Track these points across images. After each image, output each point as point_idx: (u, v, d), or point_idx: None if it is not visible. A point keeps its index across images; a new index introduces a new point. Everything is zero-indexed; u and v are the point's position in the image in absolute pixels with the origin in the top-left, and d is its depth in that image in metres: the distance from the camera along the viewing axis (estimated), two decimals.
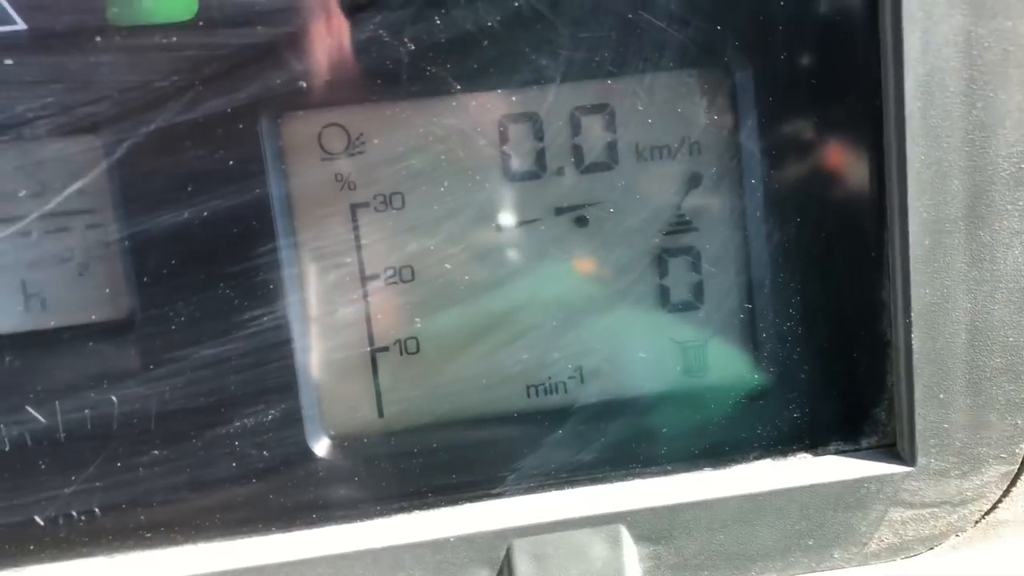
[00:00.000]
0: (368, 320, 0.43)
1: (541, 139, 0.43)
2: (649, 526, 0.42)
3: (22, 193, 0.40)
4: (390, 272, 0.43)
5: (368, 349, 0.43)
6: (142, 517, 0.41)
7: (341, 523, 0.42)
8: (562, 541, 0.42)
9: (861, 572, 0.44)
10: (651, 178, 0.44)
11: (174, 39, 0.39)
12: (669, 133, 0.43)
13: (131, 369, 0.41)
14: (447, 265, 0.43)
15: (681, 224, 0.44)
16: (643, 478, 0.43)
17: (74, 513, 0.41)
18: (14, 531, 0.41)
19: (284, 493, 0.42)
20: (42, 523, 0.41)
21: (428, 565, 0.42)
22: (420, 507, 0.43)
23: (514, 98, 0.42)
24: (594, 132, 0.43)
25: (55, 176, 0.40)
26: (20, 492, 0.41)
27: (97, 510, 0.41)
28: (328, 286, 0.43)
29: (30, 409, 0.41)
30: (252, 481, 0.41)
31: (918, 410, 0.42)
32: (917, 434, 0.42)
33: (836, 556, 0.44)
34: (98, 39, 0.38)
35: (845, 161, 0.42)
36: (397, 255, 0.43)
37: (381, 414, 0.44)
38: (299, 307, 0.42)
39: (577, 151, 0.43)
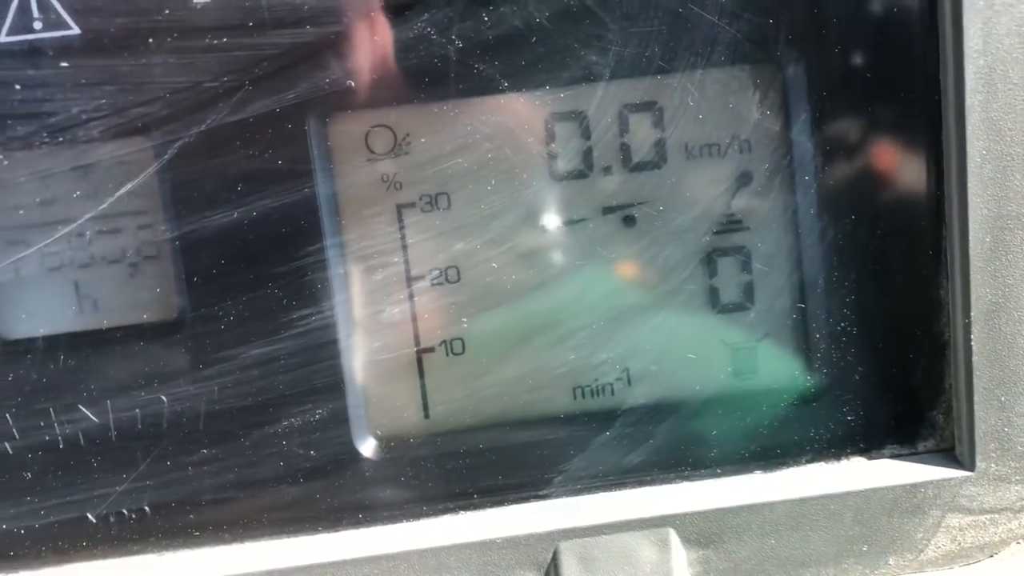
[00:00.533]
0: (414, 321, 0.43)
1: (588, 137, 0.42)
2: (698, 530, 0.41)
3: (75, 195, 0.40)
4: (436, 272, 0.43)
5: (414, 350, 0.43)
6: (191, 516, 0.41)
7: (387, 523, 0.41)
8: (610, 544, 0.41)
9: None
10: (700, 176, 0.43)
11: (224, 40, 0.39)
12: (719, 131, 0.42)
13: (181, 369, 0.41)
14: (493, 265, 0.43)
15: (731, 223, 0.43)
16: (692, 481, 0.42)
17: (125, 511, 0.41)
18: (67, 528, 0.41)
19: (330, 493, 0.41)
20: (94, 520, 0.41)
21: (474, 566, 0.41)
22: (466, 508, 0.42)
23: (561, 96, 0.41)
24: (642, 130, 0.42)
25: (107, 178, 0.41)
26: (73, 490, 0.41)
27: (147, 508, 0.41)
28: (374, 286, 0.42)
29: (83, 408, 0.41)
30: (299, 481, 0.41)
31: (978, 413, 0.40)
32: (977, 438, 0.41)
33: (891, 562, 0.42)
34: (150, 42, 0.39)
35: (901, 157, 0.41)
36: (443, 255, 0.43)
37: (427, 415, 0.44)
38: (345, 307, 0.42)
39: (625, 149, 0.42)
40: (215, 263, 0.40)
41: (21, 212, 0.40)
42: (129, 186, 0.39)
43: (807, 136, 0.41)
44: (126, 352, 0.41)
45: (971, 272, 0.39)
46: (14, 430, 0.41)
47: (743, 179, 0.43)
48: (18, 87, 0.39)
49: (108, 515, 0.41)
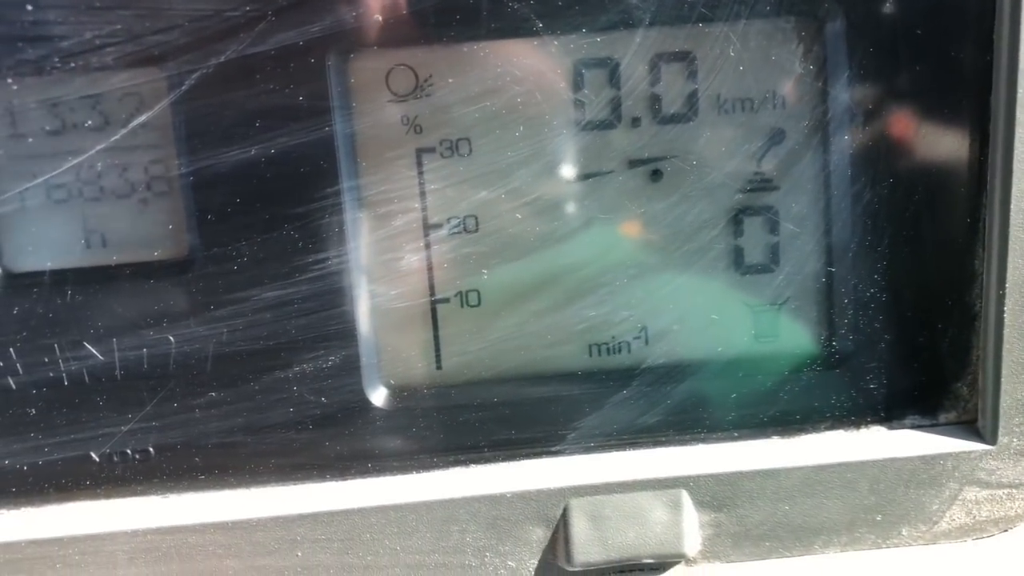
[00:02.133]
0: (430, 270, 0.41)
1: (619, 87, 0.39)
2: (711, 493, 0.40)
3: (86, 125, 0.38)
4: (454, 221, 0.41)
5: (429, 300, 0.41)
6: (197, 459, 0.39)
7: (396, 474, 0.40)
8: (621, 503, 0.39)
9: (928, 551, 0.41)
10: (732, 132, 0.40)
11: None
12: (753, 85, 0.39)
13: (189, 309, 0.38)
14: (513, 216, 0.40)
15: (761, 182, 0.41)
16: (708, 443, 0.40)
17: (129, 451, 0.40)
18: (70, 466, 0.39)
19: (339, 441, 0.39)
20: (97, 459, 0.39)
21: (482, 520, 0.39)
22: (477, 461, 0.40)
23: (594, 41, 0.38)
24: (675, 81, 0.40)
25: (119, 108, 0.38)
26: (77, 428, 0.39)
27: (152, 449, 0.40)
28: (390, 233, 0.40)
29: (88, 345, 0.39)
30: (308, 427, 0.39)
31: (1004, 386, 0.38)
32: (1001, 411, 0.39)
33: (904, 533, 0.41)
34: None
35: (943, 120, 0.38)
36: (462, 204, 0.40)
37: (440, 366, 0.42)
38: (360, 252, 0.39)
39: (655, 101, 0.40)
40: (228, 201, 0.38)
41: (30, 140, 0.38)
42: (142, 118, 0.37)
43: (845, 94, 0.39)
44: (134, 290, 0.39)
45: (1010, 242, 0.37)
46: (18, 365, 0.39)
47: (776, 137, 0.41)
48: (30, 7, 0.36)
49: (112, 455, 0.39)
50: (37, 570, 0.38)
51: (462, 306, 0.41)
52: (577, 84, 0.39)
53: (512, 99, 0.39)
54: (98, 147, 0.38)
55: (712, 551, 0.40)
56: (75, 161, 0.38)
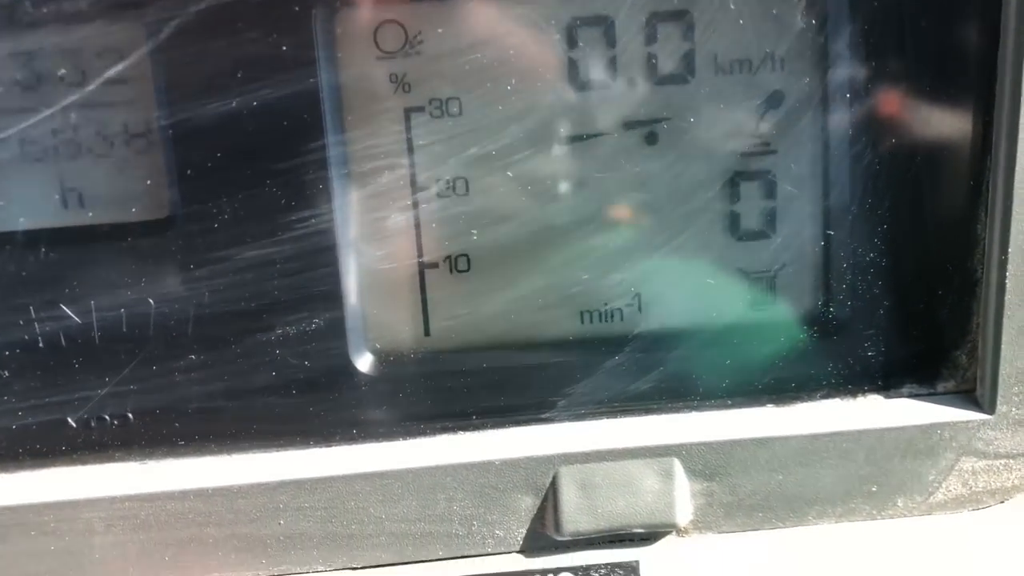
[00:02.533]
0: (417, 233, 0.39)
1: (613, 45, 0.38)
2: (704, 461, 0.39)
3: (59, 76, 0.36)
4: (443, 183, 0.39)
5: (416, 263, 0.40)
6: (176, 424, 0.38)
7: (382, 441, 0.38)
8: (611, 471, 0.38)
9: (923, 522, 0.41)
10: (729, 94, 0.39)
11: None
12: (751, 46, 0.38)
13: (170, 269, 0.37)
14: (504, 179, 0.39)
15: (758, 145, 0.39)
16: (701, 411, 0.39)
17: (107, 416, 0.38)
18: (46, 431, 0.38)
19: (324, 407, 0.38)
20: (74, 424, 0.38)
21: (470, 488, 0.38)
22: (465, 428, 0.39)
23: None
24: (671, 41, 0.38)
25: (95, 59, 0.37)
26: (52, 391, 0.37)
27: (130, 414, 0.38)
28: (376, 194, 0.39)
29: (64, 307, 0.38)
30: (291, 393, 0.38)
31: (1004, 354, 0.37)
32: (1000, 380, 0.38)
33: (899, 504, 0.40)
34: None
35: (946, 83, 0.37)
36: (451, 165, 0.39)
37: (428, 332, 0.40)
38: (346, 213, 0.38)
39: (651, 61, 0.38)
40: (209, 157, 0.36)
41: (1, 94, 0.37)
42: (119, 67, 0.35)
43: (844, 56, 0.38)
44: (112, 250, 0.37)
45: (1013, 207, 0.35)
46: None
47: (774, 99, 0.39)
48: None
49: (89, 419, 0.38)
50: (12, 537, 0.37)
51: (451, 271, 0.40)
52: (571, 42, 0.38)
53: (504, 58, 0.38)
54: (72, 100, 0.36)
55: (704, 521, 0.40)
56: (47, 112, 0.36)
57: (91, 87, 0.36)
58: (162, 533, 0.38)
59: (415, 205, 0.39)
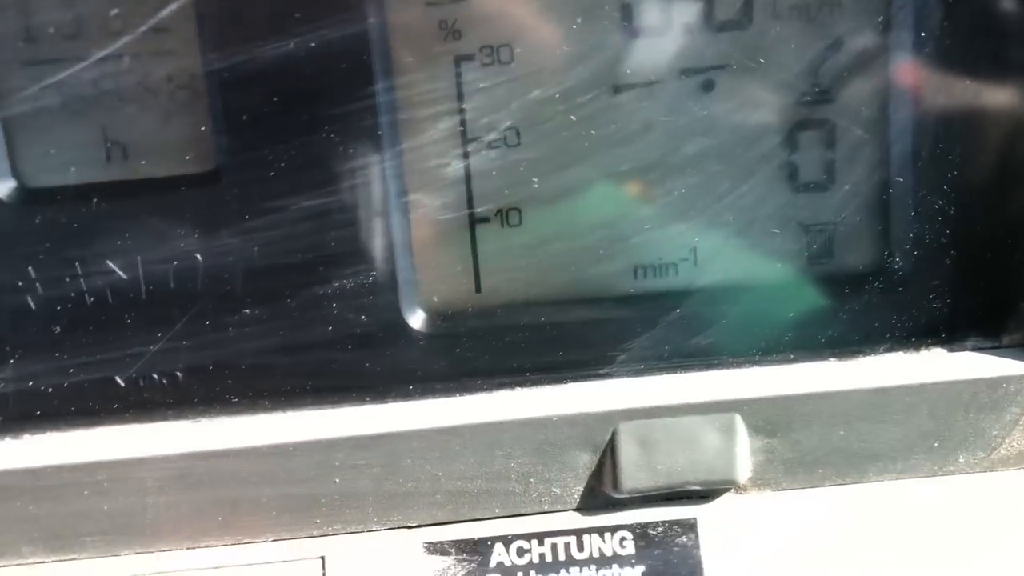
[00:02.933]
0: (468, 186, 0.38)
1: None
2: (766, 417, 0.38)
3: (103, 24, 0.35)
4: (494, 134, 0.38)
5: (467, 217, 0.39)
6: (229, 381, 0.37)
7: (439, 397, 0.38)
8: (671, 427, 0.37)
9: (984, 479, 0.40)
10: (788, 41, 0.38)
11: None
12: None
13: (218, 223, 0.36)
14: (556, 128, 0.38)
15: (817, 94, 0.38)
16: (762, 366, 0.38)
17: (155, 375, 0.38)
18: (96, 389, 0.37)
19: (379, 363, 0.37)
20: (122, 383, 0.38)
21: (528, 444, 0.37)
22: (522, 384, 0.38)
23: None
24: None
25: (139, 7, 0.36)
26: (102, 349, 0.36)
27: (180, 373, 0.37)
28: (427, 145, 0.38)
29: (110, 263, 0.37)
30: (347, 348, 0.37)
31: None
32: None
33: (961, 460, 0.39)
34: None
35: (1018, 24, 0.36)
36: (502, 115, 0.38)
37: (479, 288, 0.40)
38: (395, 165, 0.37)
39: (709, 5, 0.37)
40: (256, 106, 0.35)
41: (43, 44, 0.36)
42: (165, 12, 0.34)
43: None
44: (159, 204, 0.36)
45: None
46: (37, 284, 0.37)
47: (834, 46, 0.38)
48: None
49: (139, 377, 0.37)
50: (64, 497, 0.36)
51: (502, 225, 0.39)
52: None
53: (557, 2, 0.36)
54: (117, 45, 0.35)
55: (763, 478, 0.39)
56: (88, 61, 0.35)
57: (133, 35, 0.34)
58: (215, 492, 0.37)
59: (465, 156, 0.38)
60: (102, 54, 0.35)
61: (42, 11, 0.35)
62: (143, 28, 0.35)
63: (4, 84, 0.35)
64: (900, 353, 0.38)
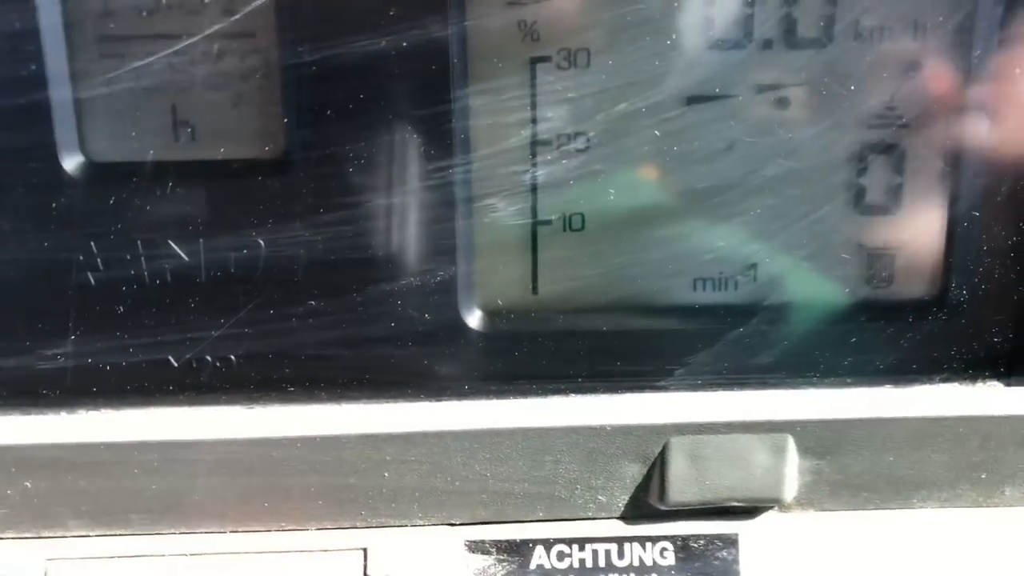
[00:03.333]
0: (534, 187, 0.38)
1: (752, 4, 0.37)
2: (817, 439, 0.38)
3: (184, 4, 0.35)
4: (564, 138, 0.38)
5: (531, 219, 0.39)
6: (287, 370, 0.37)
7: (493, 398, 0.37)
8: (723, 444, 0.37)
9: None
10: (866, 62, 0.37)
11: None
12: (894, 11, 0.37)
13: (283, 212, 0.36)
14: (626, 136, 0.38)
15: (891, 118, 0.38)
16: (818, 388, 0.38)
17: (212, 359, 0.38)
18: (151, 370, 0.37)
19: (436, 361, 0.37)
20: (179, 365, 0.37)
21: (577, 451, 0.37)
22: (576, 391, 0.38)
23: None
24: (811, 2, 0.37)
25: None
26: (160, 330, 0.36)
27: (238, 358, 0.37)
28: (497, 144, 0.37)
29: (173, 244, 0.37)
30: (407, 344, 0.37)
31: None
32: None
33: (1007, 493, 0.39)
34: None
35: None
36: (574, 119, 0.37)
37: (536, 291, 0.39)
38: (463, 161, 0.37)
39: (789, 22, 0.37)
40: (328, 99, 0.35)
41: (121, 19, 0.35)
42: (249, 8, 0.34)
43: (992, 26, 0.36)
44: (226, 187, 0.36)
45: None
46: (100, 260, 0.37)
47: (912, 69, 0.38)
48: None
49: (196, 361, 0.37)
50: (115, 474, 0.36)
51: (565, 229, 0.39)
52: None
53: (639, 9, 0.36)
54: (194, 32, 0.35)
55: (808, 498, 0.39)
56: (169, 50, 0.35)
57: (218, 26, 0.34)
58: (264, 479, 0.37)
59: (534, 158, 0.38)
60: (180, 45, 0.34)
61: None
62: (222, 16, 0.34)
63: (77, 61, 0.35)
64: (956, 384, 0.38)
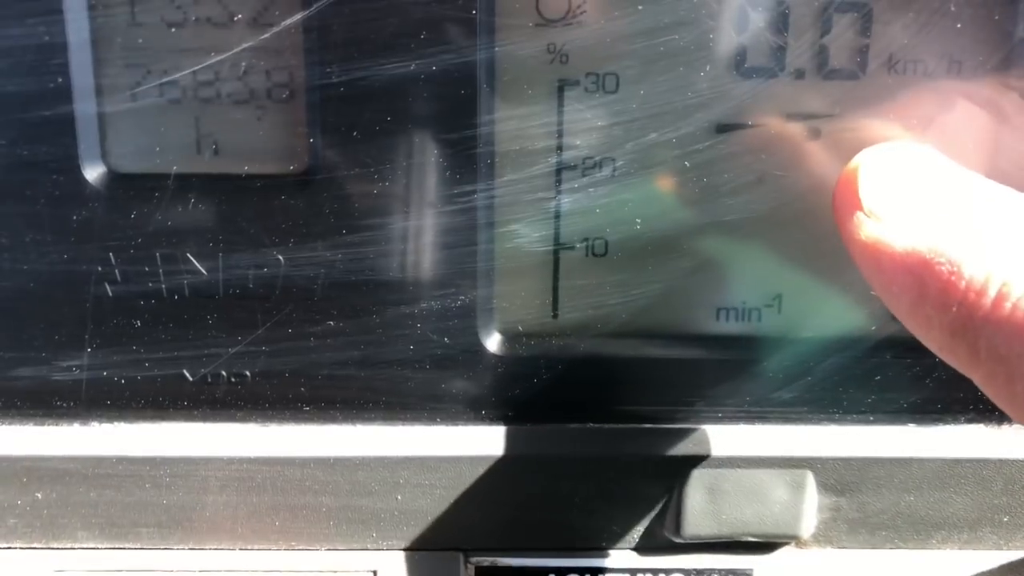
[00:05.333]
0: (558, 212, 0.38)
1: (785, 33, 0.36)
2: (838, 476, 0.37)
3: (209, 20, 0.34)
4: (589, 162, 0.37)
5: (553, 244, 0.38)
6: (303, 389, 0.36)
7: (509, 424, 0.37)
8: (742, 478, 0.36)
9: None
10: (898, 95, 0.37)
11: None
12: (929, 46, 0.36)
13: (304, 230, 0.35)
14: (654, 162, 0.37)
15: None
16: (840, 424, 0.37)
17: (228, 376, 0.37)
18: (166, 385, 0.36)
19: (453, 384, 0.36)
20: (194, 381, 0.37)
21: (594, 481, 0.37)
22: (594, 419, 0.37)
23: None
24: (846, 34, 0.36)
25: (247, 6, 0.35)
26: (176, 345, 0.36)
27: (254, 375, 0.36)
28: (522, 166, 0.37)
29: (192, 258, 0.36)
30: (425, 367, 0.36)
31: None
32: None
33: None
34: None
35: None
36: (600, 144, 0.37)
37: (555, 315, 0.39)
38: (487, 184, 0.36)
39: (822, 53, 0.36)
40: (352, 118, 0.34)
41: (147, 32, 0.35)
42: (292, 19, 0.33)
43: None
44: (244, 203, 0.35)
45: None
46: (117, 272, 0.36)
47: (946, 104, 0.37)
48: None
49: (212, 377, 0.36)
50: (126, 487, 0.36)
51: (587, 255, 0.38)
52: (741, 26, 0.35)
53: (669, 35, 0.35)
54: (235, 49, 0.34)
55: (825, 535, 0.38)
56: (196, 68, 0.34)
57: (246, 44, 0.34)
58: (276, 498, 0.36)
59: (559, 183, 0.37)
60: (207, 63, 0.34)
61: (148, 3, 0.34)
62: (250, 33, 0.34)
63: (102, 73, 0.35)
64: (981, 425, 0.37)
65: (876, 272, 0.30)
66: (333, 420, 0.36)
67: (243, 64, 0.35)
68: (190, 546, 0.37)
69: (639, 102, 0.36)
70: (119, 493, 0.36)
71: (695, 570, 0.38)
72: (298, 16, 0.33)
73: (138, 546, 0.37)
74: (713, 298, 0.38)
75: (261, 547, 0.37)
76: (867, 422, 0.37)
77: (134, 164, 0.36)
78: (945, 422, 0.37)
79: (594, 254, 0.38)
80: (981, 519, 0.37)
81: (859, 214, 0.31)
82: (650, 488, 0.37)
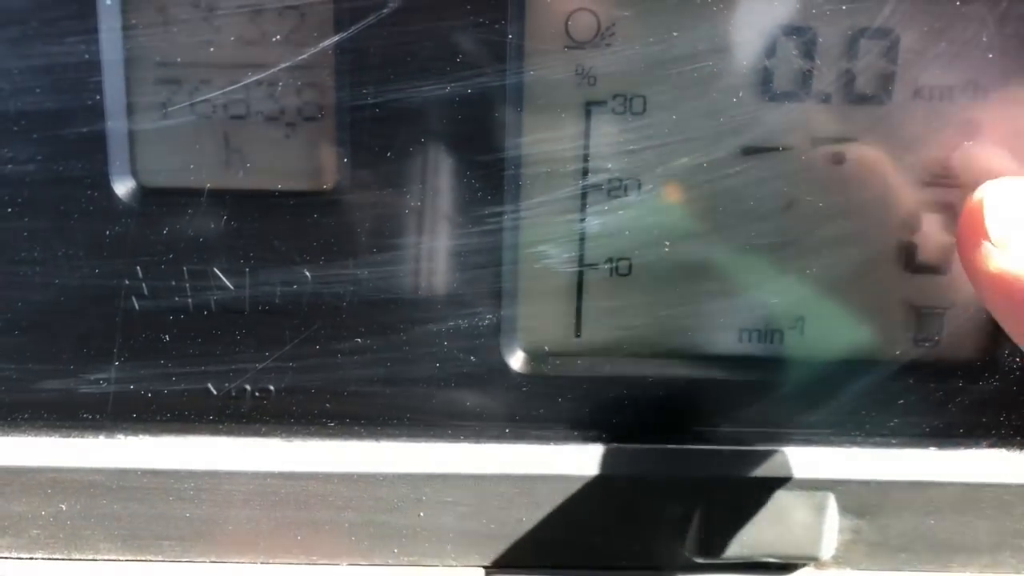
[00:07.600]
0: (583, 231, 0.38)
1: (812, 58, 0.36)
2: (860, 499, 0.37)
3: (241, 38, 0.35)
4: (615, 183, 0.37)
5: (577, 263, 0.38)
6: (328, 405, 0.36)
7: (532, 443, 0.37)
8: (764, 500, 0.36)
9: None
10: (924, 121, 0.37)
11: None
12: (955, 72, 0.36)
13: (331, 247, 0.35)
14: (678, 185, 0.37)
15: (944, 177, 0.37)
16: (863, 447, 0.37)
17: (253, 391, 0.37)
18: (191, 399, 0.36)
19: (478, 403, 0.36)
20: (220, 396, 0.37)
21: (616, 501, 0.36)
22: (617, 439, 0.37)
23: (792, 7, 0.35)
24: (872, 59, 0.36)
25: (278, 24, 0.35)
26: (203, 360, 0.36)
27: (279, 390, 0.36)
28: (548, 186, 0.37)
29: (219, 273, 0.37)
30: (450, 385, 0.36)
31: None
32: None
33: None
34: None
35: None
36: (626, 165, 0.37)
37: (578, 334, 0.39)
38: (513, 203, 0.36)
39: (848, 78, 0.36)
40: (382, 138, 0.34)
41: (176, 48, 0.35)
42: (327, 41, 0.33)
43: None
44: (272, 219, 0.35)
45: None
46: (145, 286, 0.36)
47: (970, 130, 0.37)
48: None
49: (237, 392, 0.36)
50: (149, 500, 0.36)
51: (611, 274, 0.38)
52: (769, 51, 0.36)
53: (698, 58, 0.35)
54: (255, 64, 0.34)
55: (845, 557, 0.38)
56: (230, 87, 0.34)
57: (281, 65, 0.34)
58: (299, 513, 0.36)
59: (584, 202, 0.37)
60: (241, 84, 0.34)
61: (180, 21, 0.34)
62: (282, 53, 0.34)
63: (134, 88, 0.35)
64: (1003, 449, 0.37)
65: (1006, 302, 0.30)
66: (357, 436, 0.36)
67: (275, 83, 0.35)
68: (212, 559, 0.37)
69: (666, 124, 0.36)
70: (142, 506, 0.36)
71: None
72: (334, 39, 0.33)
73: (160, 559, 0.37)
74: (736, 319, 0.38)
75: (283, 561, 0.37)
76: (889, 445, 0.37)
77: (163, 179, 0.36)
78: (967, 446, 0.37)
79: (619, 274, 0.38)
80: (1002, 544, 0.37)
81: (986, 244, 0.30)
82: (672, 508, 0.37)
